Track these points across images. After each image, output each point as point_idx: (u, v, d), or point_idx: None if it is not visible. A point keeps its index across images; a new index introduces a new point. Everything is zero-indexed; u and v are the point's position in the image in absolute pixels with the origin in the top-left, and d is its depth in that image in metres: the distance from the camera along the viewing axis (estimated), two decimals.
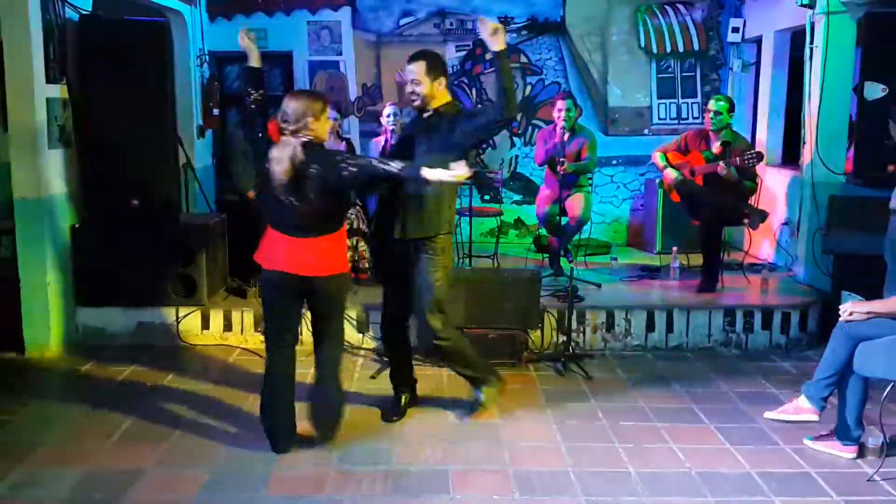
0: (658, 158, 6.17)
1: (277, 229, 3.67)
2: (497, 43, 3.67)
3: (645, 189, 7.97)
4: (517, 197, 8.10)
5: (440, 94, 3.90)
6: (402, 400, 4.30)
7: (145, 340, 5.40)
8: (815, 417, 3.93)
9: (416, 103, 3.92)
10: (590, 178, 6.61)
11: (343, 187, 3.64)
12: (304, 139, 3.53)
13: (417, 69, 3.84)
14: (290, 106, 3.54)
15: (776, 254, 6.96)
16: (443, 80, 3.88)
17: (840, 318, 3.73)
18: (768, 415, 4.19)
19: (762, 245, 7.12)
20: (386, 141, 6.23)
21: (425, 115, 3.95)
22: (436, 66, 3.86)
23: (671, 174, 6.03)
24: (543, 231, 6.75)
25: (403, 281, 4.03)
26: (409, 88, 3.92)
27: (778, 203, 6.92)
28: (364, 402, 4.44)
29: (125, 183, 5.37)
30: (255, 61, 3.84)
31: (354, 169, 3.53)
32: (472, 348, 4.20)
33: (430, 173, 3.46)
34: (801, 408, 3.98)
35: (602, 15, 7.97)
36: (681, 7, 7.96)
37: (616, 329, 5.44)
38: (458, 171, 3.41)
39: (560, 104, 6.18)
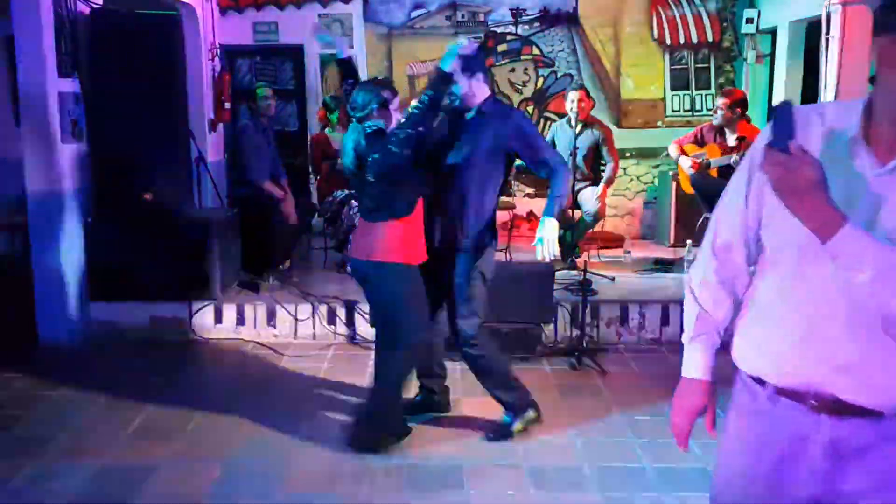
0: (672, 149, 6.20)
1: None
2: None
3: (658, 181, 7.91)
4: (529, 190, 8.06)
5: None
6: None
7: (158, 335, 5.40)
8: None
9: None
10: (603, 171, 6.56)
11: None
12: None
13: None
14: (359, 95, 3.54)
15: None
16: None
17: None
18: None
19: None
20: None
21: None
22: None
23: (685, 162, 6.07)
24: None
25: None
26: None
27: None
28: None
29: (138, 177, 5.38)
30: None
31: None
32: (509, 369, 3.99)
33: None
34: None
35: (615, 6, 7.91)
36: None
37: (630, 323, 5.40)
38: None
39: (571, 95, 6.15)
